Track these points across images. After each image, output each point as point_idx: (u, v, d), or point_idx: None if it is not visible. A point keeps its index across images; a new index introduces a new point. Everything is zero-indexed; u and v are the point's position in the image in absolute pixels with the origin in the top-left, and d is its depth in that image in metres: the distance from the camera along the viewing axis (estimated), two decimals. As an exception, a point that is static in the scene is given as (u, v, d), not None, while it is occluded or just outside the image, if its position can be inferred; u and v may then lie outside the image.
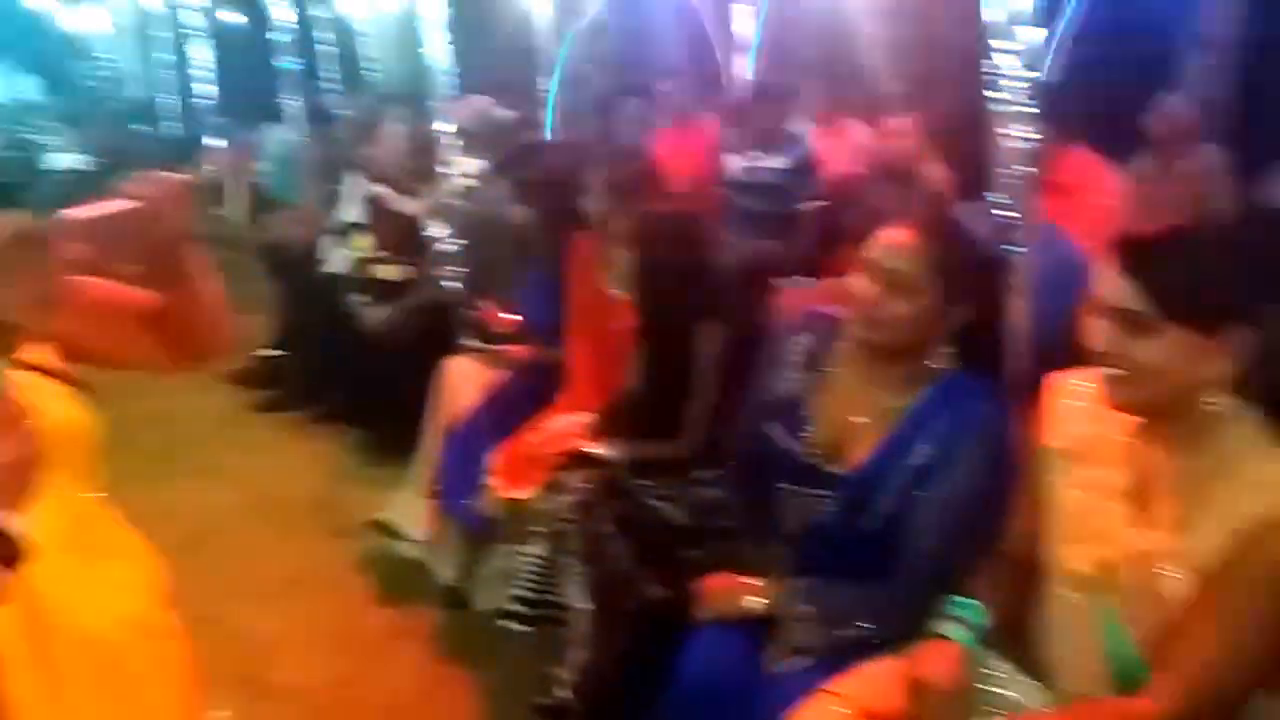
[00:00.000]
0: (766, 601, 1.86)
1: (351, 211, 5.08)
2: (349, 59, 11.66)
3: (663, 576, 2.45)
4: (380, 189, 4.64)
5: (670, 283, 2.49)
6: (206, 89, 8.46)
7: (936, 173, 3.58)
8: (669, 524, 2.49)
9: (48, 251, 0.98)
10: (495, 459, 2.83)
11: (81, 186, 8.55)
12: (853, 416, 1.87)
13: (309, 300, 4.87)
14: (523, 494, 2.67)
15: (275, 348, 5.20)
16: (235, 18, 12.04)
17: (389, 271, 4.52)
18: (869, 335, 1.84)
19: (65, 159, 9.27)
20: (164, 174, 1.13)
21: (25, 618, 1.08)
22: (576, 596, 2.44)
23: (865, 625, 1.78)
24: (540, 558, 2.52)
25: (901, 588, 1.78)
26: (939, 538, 1.76)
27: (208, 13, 8.07)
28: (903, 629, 1.72)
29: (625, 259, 2.57)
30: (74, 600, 1.15)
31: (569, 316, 2.97)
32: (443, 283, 3.86)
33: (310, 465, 4.25)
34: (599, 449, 2.52)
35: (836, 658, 1.76)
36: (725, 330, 2.50)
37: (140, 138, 9.26)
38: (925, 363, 1.84)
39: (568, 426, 2.63)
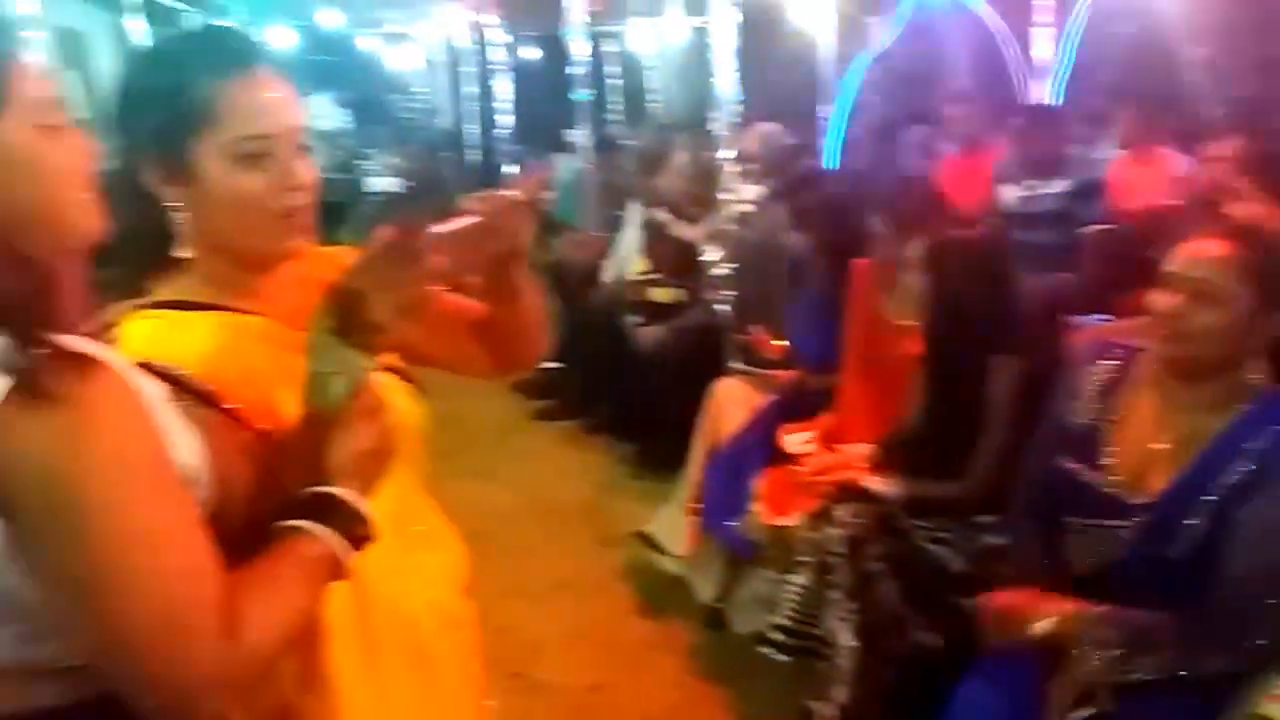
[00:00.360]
0: (1058, 626, 1.72)
1: (631, 236, 5.28)
2: (636, 90, 12.20)
3: (934, 622, 2.35)
4: (660, 214, 4.78)
5: (964, 312, 2.37)
6: (505, 120, 9.08)
7: (1256, 203, 3.22)
8: (945, 569, 2.38)
9: (417, 261, 1.06)
10: (761, 483, 2.82)
11: (394, 208, 9.44)
12: (1153, 444, 1.76)
13: (587, 318, 5.08)
14: (788, 521, 2.63)
15: (555, 361, 5.47)
16: (533, 53, 12.91)
17: (663, 294, 4.66)
18: (1175, 351, 1.73)
19: (381, 183, 10.23)
20: (504, 193, 1.18)
21: (352, 595, 1.15)
22: (840, 632, 2.38)
23: (1172, 659, 1.63)
24: (804, 587, 2.48)
25: (1215, 617, 1.63)
26: (1258, 561, 1.61)
27: (509, 48, 8.66)
28: (1214, 666, 1.59)
29: (913, 287, 2.48)
30: (393, 582, 1.22)
31: (846, 344, 2.91)
32: (715, 306, 3.92)
33: (581, 474, 4.43)
34: (873, 482, 2.44)
35: (1132, 706, 1.61)
36: (1018, 364, 2.36)
37: (447, 164, 10.06)
38: (1240, 378, 1.71)
39: (840, 456, 2.57)
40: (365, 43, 14.51)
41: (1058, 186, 4.13)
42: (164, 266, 1.16)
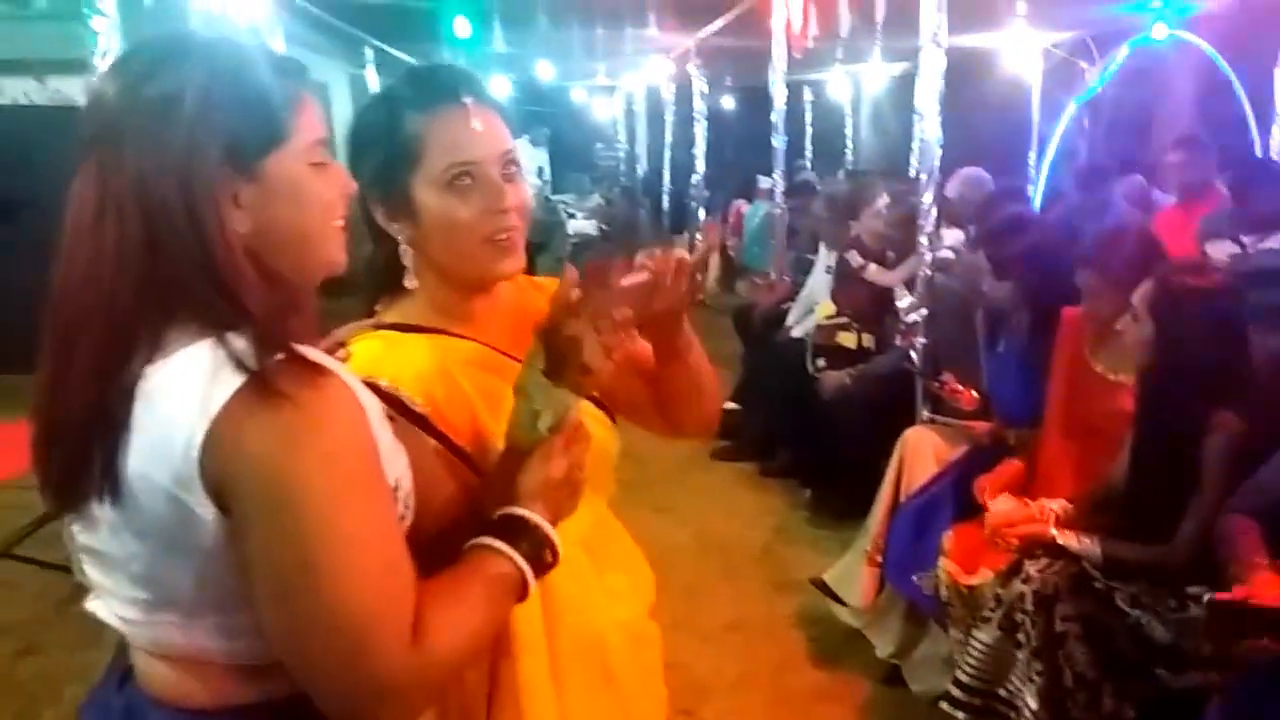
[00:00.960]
0: None
1: (820, 280, 5.23)
2: (832, 136, 12.17)
3: (1128, 692, 2.18)
4: (854, 258, 4.72)
5: (1189, 364, 2.20)
6: (700, 166, 9.24)
7: None
8: (1145, 636, 2.21)
9: (616, 303, 1.10)
10: (950, 537, 2.71)
11: (588, 249, 9.75)
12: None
13: (772, 360, 5.06)
14: (977, 577, 2.51)
15: (737, 402, 5.47)
16: (730, 102, 13.09)
17: (850, 338, 4.57)
18: None
19: (579, 225, 10.60)
20: (674, 251, 1.21)
21: (542, 611, 1.18)
22: (1025, 694, 2.24)
23: None
24: (988, 645, 2.35)
25: None
26: None
27: (707, 98, 8.82)
28: None
29: (1128, 339, 2.33)
30: (583, 601, 1.24)
31: (1049, 396, 2.77)
32: (907, 353, 3.81)
33: (757, 516, 4.38)
34: (1069, 539, 2.30)
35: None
36: (1239, 425, 2.17)
37: (642, 209, 10.32)
38: None
39: (1035, 509, 2.43)
40: (576, 94, 15.13)
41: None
42: (395, 296, 1.25)
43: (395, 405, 1.11)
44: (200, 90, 0.92)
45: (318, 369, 0.90)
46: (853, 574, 3.25)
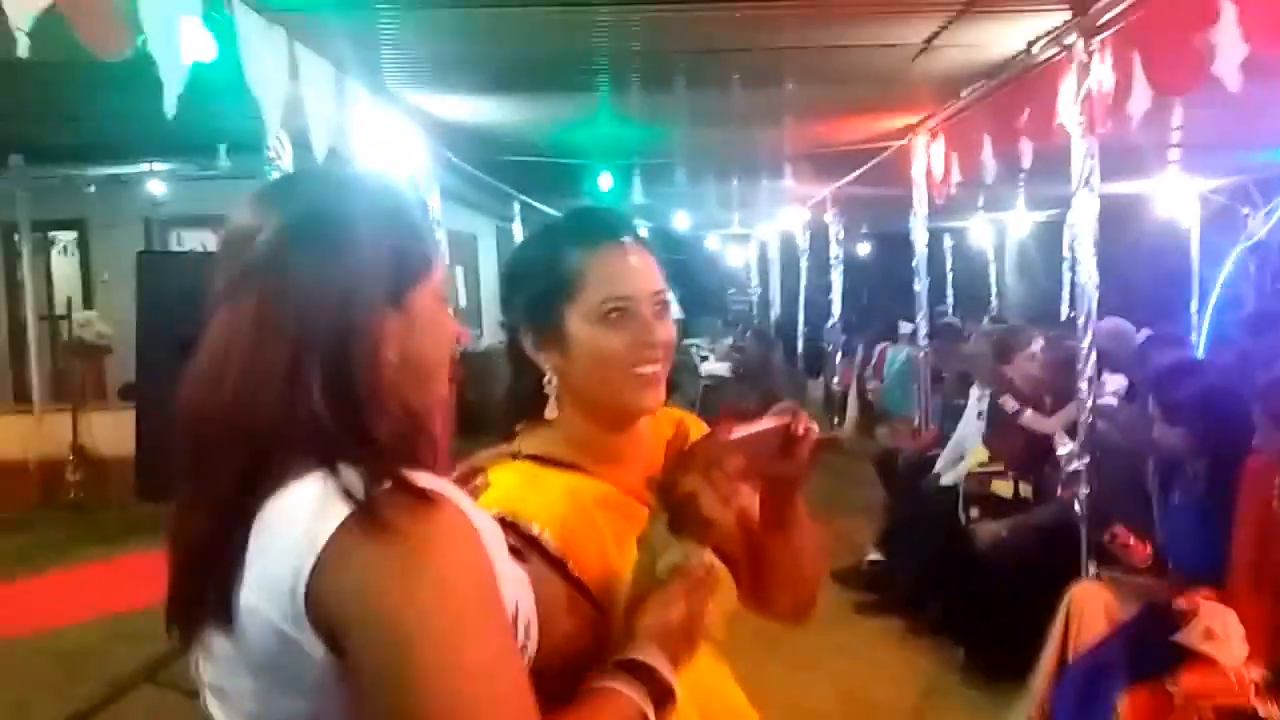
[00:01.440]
0: None
1: (971, 426, 5.05)
2: (975, 282, 12.03)
3: None
4: (1009, 403, 4.55)
5: None
6: (835, 310, 9.24)
7: None
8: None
9: (729, 456, 1.10)
10: (1125, 703, 2.46)
11: (720, 390, 9.76)
12: None
13: (920, 509, 4.85)
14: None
15: (882, 552, 5.24)
16: (865, 248, 13.17)
17: (1006, 487, 4.36)
18: None
19: (711, 366, 10.66)
20: (799, 410, 1.20)
21: None
22: None
23: None
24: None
25: None
26: None
27: (843, 244, 8.89)
28: None
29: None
30: None
31: (1235, 550, 2.54)
32: (1070, 503, 3.59)
33: (905, 675, 4.11)
34: (1270, 710, 2.05)
35: None
36: None
37: (775, 351, 10.30)
38: None
39: (1233, 679, 2.20)
40: (710, 241, 15.53)
41: None
42: (535, 425, 1.26)
43: (534, 546, 1.12)
44: (367, 221, 0.94)
45: (426, 496, 0.87)
46: None
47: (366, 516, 0.84)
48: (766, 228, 14.00)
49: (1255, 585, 2.48)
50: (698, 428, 1.29)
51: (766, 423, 1.18)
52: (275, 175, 3.35)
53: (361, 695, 0.85)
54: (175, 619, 0.94)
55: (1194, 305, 7.37)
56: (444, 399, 1.04)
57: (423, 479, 0.89)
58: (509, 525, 1.12)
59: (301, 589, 0.84)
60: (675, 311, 1.30)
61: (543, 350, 1.22)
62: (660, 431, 1.28)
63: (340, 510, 0.85)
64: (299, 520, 0.86)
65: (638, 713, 0.98)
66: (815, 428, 1.21)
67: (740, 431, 1.13)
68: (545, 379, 1.23)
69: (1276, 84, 2.71)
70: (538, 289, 1.22)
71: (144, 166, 6.97)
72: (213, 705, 0.96)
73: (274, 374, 0.90)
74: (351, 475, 0.87)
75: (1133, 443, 3.39)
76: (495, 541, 0.96)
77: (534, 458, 1.23)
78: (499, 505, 1.14)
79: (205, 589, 0.89)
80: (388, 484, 0.86)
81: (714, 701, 1.25)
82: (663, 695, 1.01)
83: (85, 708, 3.68)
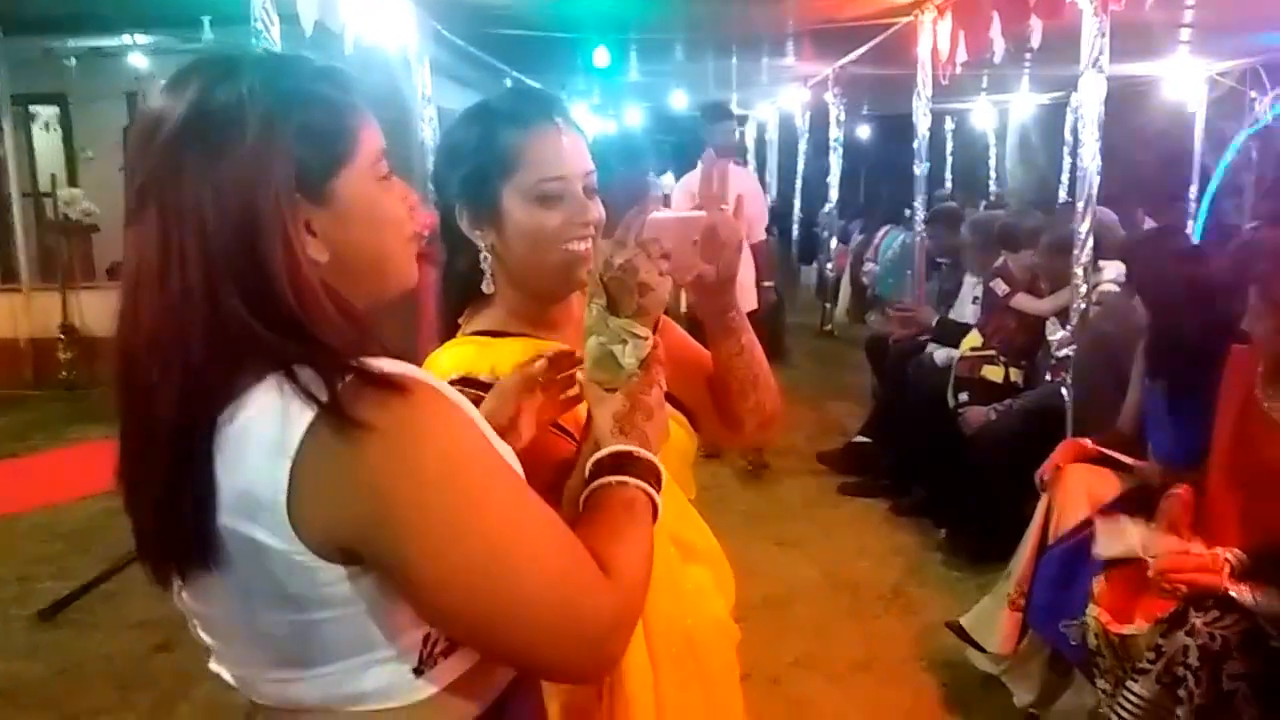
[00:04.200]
0: None
1: (965, 311, 5.05)
2: (975, 166, 11.86)
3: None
4: (1001, 287, 4.53)
5: None
6: (832, 195, 9.12)
7: None
8: (1325, 701, 2.01)
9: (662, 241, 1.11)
10: (1101, 582, 2.53)
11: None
12: None
13: (908, 393, 4.89)
14: (1131, 627, 2.34)
15: (868, 435, 5.31)
16: (865, 130, 12.91)
17: (996, 372, 4.38)
18: None
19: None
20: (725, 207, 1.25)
21: None
22: (1186, 756, 2.07)
23: None
24: (1144, 700, 2.19)
25: None
26: None
27: (841, 125, 8.69)
28: None
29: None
30: (675, 592, 1.23)
31: (1215, 439, 2.57)
32: (1059, 388, 3.62)
33: (888, 555, 4.22)
34: (1241, 591, 2.11)
35: None
36: None
37: (770, 236, 10.20)
38: None
39: (1202, 557, 2.25)
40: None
41: None
42: (476, 308, 1.31)
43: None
44: (261, 111, 0.86)
45: (393, 383, 0.83)
46: (992, 618, 3.06)
47: (334, 416, 0.81)
48: (765, 108, 13.69)
49: (1235, 474, 2.51)
50: None
51: (689, 212, 1.23)
52: (260, 49, 3.26)
53: (400, 592, 0.85)
54: (148, 557, 0.90)
55: (1193, 191, 7.29)
56: (405, 286, 0.99)
57: (386, 364, 0.86)
58: (468, 382, 1.17)
59: (282, 500, 0.81)
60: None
61: (479, 228, 1.26)
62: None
63: (305, 414, 0.81)
64: (263, 430, 0.82)
65: (638, 494, 1.00)
66: (739, 230, 1.27)
67: (663, 213, 1.16)
68: (481, 256, 1.27)
69: None
70: (473, 168, 1.25)
71: (125, 39, 6.75)
72: (205, 634, 0.95)
73: (190, 299, 0.84)
74: (308, 374, 0.82)
75: (1119, 334, 3.38)
76: (472, 408, 0.95)
77: (481, 333, 1.29)
78: (453, 370, 1.20)
79: (176, 522, 0.85)
80: (349, 378, 0.82)
81: (692, 543, 1.31)
82: (653, 475, 1.03)
83: (88, 580, 3.78)
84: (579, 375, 1.12)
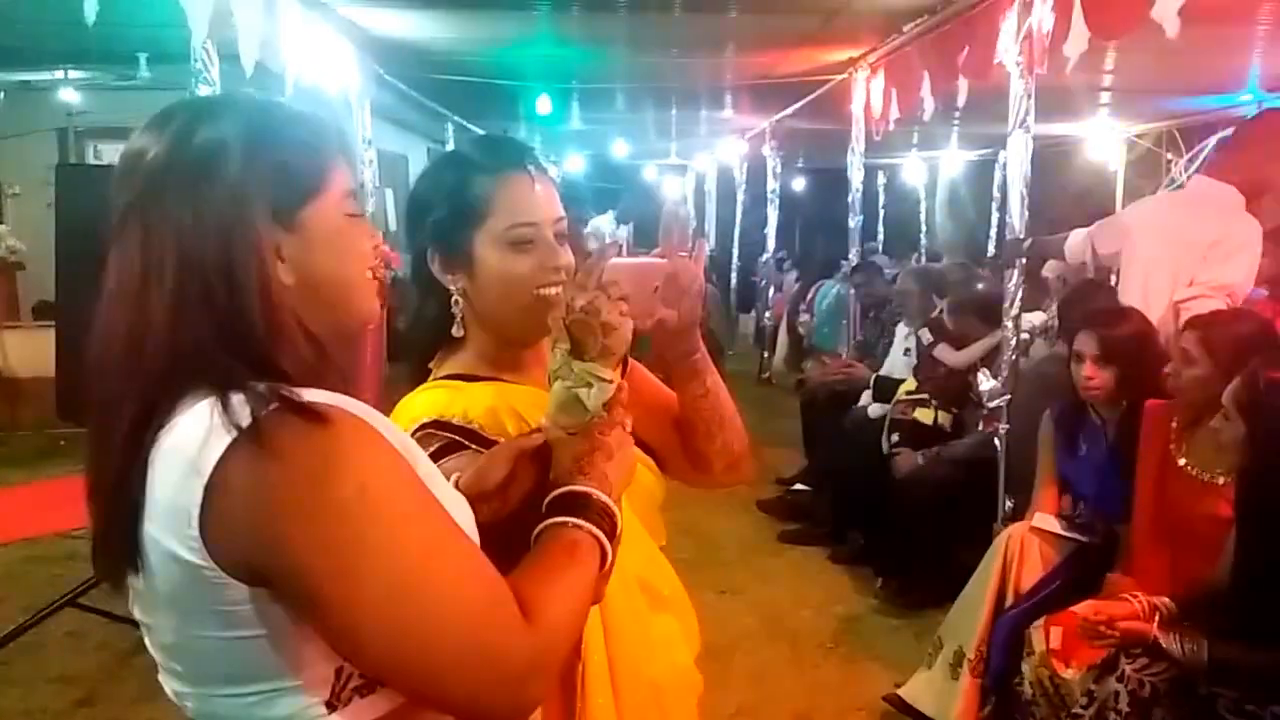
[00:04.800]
0: None
1: (897, 360, 5.16)
2: (906, 219, 12.17)
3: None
4: (924, 336, 4.65)
5: None
6: (769, 245, 9.27)
7: None
8: (1254, 748, 2.07)
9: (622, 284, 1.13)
10: (1039, 628, 2.57)
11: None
12: None
13: (844, 440, 4.96)
14: (1068, 672, 2.39)
15: (806, 483, 5.37)
16: (799, 183, 13.18)
17: (926, 414, 4.48)
18: None
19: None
20: (685, 257, 1.27)
21: (606, 646, 1.19)
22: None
23: None
24: (1081, 745, 2.22)
25: None
26: None
27: (778, 176, 8.88)
28: None
29: (1223, 432, 2.23)
30: (642, 639, 1.24)
31: (1137, 495, 2.65)
32: (990, 438, 3.71)
33: (828, 603, 4.24)
34: (1174, 645, 2.16)
35: None
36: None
37: (708, 284, 10.33)
38: None
39: (1132, 605, 2.31)
40: (647, 171, 15.39)
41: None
42: (446, 353, 1.32)
43: (469, 436, 1.19)
44: (242, 143, 0.92)
45: (315, 412, 0.85)
46: (942, 689, 2.99)
47: (252, 440, 0.83)
48: (704, 159, 13.91)
49: (1156, 526, 2.59)
50: None
51: (649, 258, 1.25)
52: (202, 88, 3.23)
53: (309, 621, 0.85)
54: (99, 560, 0.93)
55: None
56: (367, 320, 1.01)
57: (314, 395, 0.87)
58: (440, 425, 1.18)
59: (196, 518, 0.83)
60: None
61: (449, 273, 1.28)
62: None
63: (225, 437, 0.83)
64: (186, 447, 0.85)
65: (588, 536, 1.00)
66: (700, 278, 1.28)
67: (623, 259, 1.18)
68: (452, 300, 1.28)
69: (1206, 31, 2.77)
70: (446, 214, 1.27)
71: (57, 73, 6.62)
72: (147, 641, 0.96)
73: (161, 318, 0.88)
74: (238, 400, 0.85)
75: (1051, 379, 3.47)
76: (413, 452, 0.94)
77: (452, 376, 1.29)
78: (425, 414, 1.21)
79: (114, 526, 0.89)
80: (274, 405, 0.84)
81: (659, 591, 1.31)
82: (607, 517, 1.02)
83: (6, 632, 3.62)
84: (543, 420, 1.12)
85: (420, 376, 1.33)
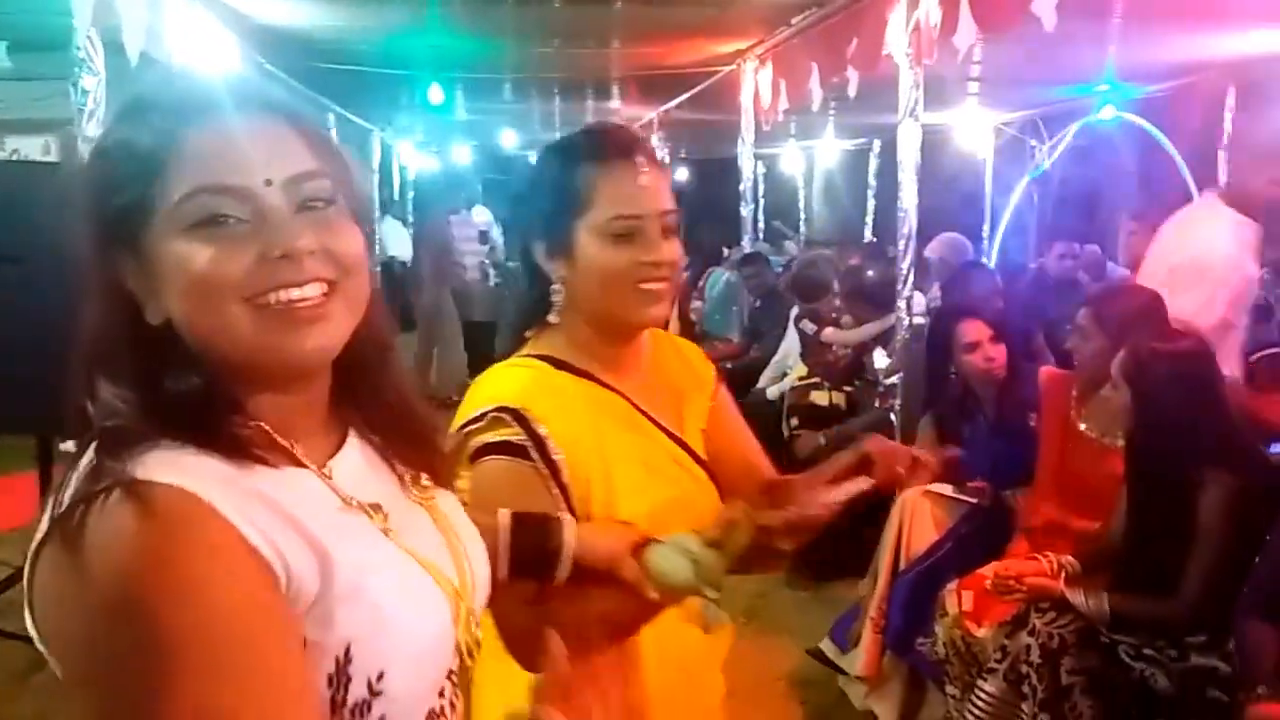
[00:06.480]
0: None
1: (794, 343, 5.31)
2: (785, 208, 12.45)
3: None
4: (807, 327, 4.82)
5: (1170, 426, 2.27)
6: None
7: None
8: (1149, 688, 2.25)
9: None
10: (952, 592, 2.71)
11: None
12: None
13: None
14: (982, 631, 2.53)
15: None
16: (681, 174, 13.34)
17: (823, 397, 4.63)
18: None
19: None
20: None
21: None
22: (1031, 748, 2.26)
23: None
24: (993, 697, 2.37)
25: None
26: None
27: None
28: None
29: (1113, 400, 2.40)
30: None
31: (1040, 459, 2.82)
32: (886, 414, 3.87)
33: (735, 580, 4.26)
34: (1079, 598, 2.32)
35: None
36: (1232, 480, 2.24)
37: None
38: None
39: (1039, 563, 2.46)
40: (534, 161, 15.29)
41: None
42: (541, 329, 1.32)
43: (538, 444, 1.19)
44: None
45: (147, 503, 0.69)
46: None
47: (62, 536, 0.70)
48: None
49: (1058, 489, 2.76)
50: (693, 351, 1.44)
51: (855, 486, 1.21)
52: (86, 79, 3.09)
53: None
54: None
55: (985, 229, 7.97)
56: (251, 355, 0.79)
57: (171, 475, 0.71)
58: (515, 416, 1.18)
59: (27, 594, 0.74)
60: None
61: (552, 260, 1.28)
62: (659, 348, 1.39)
63: (46, 521, 0.72)
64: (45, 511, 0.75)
65: None
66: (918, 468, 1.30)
67: (833, 495, 1.19)
68: (553, 287, 1.28)
69: (1069, 24, 2.91)
70: (550, 202, 1.27)
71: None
72: None
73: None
74: (84, 462, 0.74)
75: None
76: (296, 548, 0.75)
77: (545, 358, 1.28)
78: (513, 398, 1.20)
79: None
80: (103, 484, 0.70)
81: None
82: None
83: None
84: (647, 565, 1.16)
85: (516, 344, 1.33)
